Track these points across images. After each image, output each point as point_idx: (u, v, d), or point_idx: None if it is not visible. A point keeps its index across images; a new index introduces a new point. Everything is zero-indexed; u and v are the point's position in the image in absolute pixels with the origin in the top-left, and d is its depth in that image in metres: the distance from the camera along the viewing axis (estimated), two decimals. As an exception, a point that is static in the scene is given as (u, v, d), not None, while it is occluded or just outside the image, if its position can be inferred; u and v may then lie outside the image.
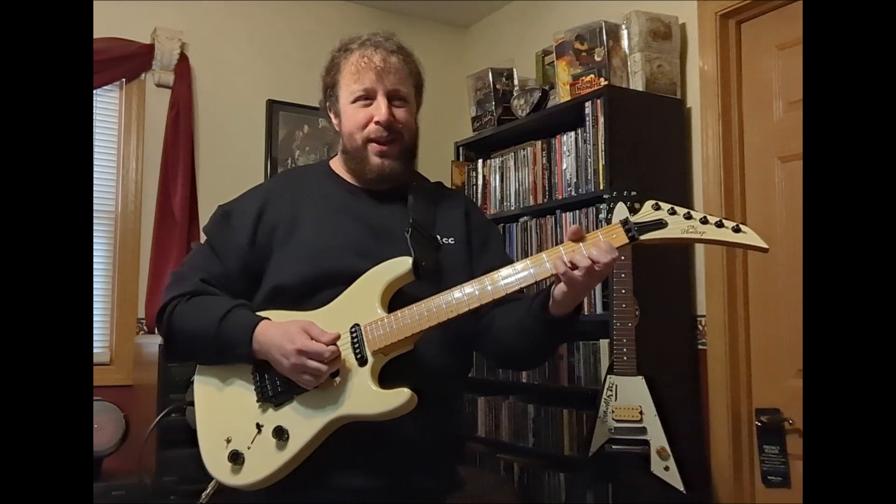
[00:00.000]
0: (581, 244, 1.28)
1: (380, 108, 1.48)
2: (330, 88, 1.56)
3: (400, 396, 1.32)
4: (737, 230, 1.23)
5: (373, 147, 1.50)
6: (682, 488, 2.21)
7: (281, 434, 1.36)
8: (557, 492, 2.82)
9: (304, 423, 1.36)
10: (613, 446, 2.29)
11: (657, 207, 1.28)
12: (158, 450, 2.62)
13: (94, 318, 3.12)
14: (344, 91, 1.53)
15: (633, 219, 1.28)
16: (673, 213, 1.27)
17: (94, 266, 3.15)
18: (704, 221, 1.24)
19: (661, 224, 1.27)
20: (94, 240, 3.15)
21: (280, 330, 1.37)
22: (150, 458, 2.62)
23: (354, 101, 1.51)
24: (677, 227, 1.26)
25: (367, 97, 1.50)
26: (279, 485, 1.38)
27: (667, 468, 2.23)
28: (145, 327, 3.22)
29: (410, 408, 1.32)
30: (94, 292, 3.09)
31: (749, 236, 1.22)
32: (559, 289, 1.29)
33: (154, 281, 3.20)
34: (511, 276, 1.32)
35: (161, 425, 2.63)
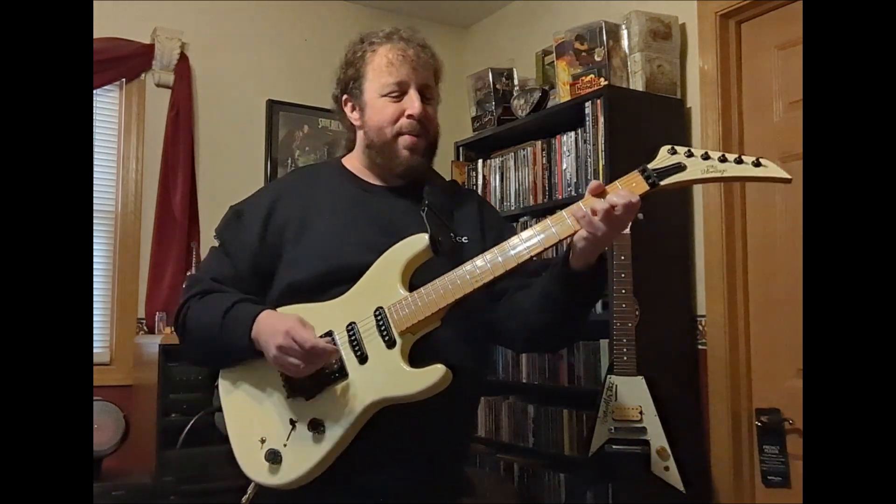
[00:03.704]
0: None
1: (413, 102, 1.46)
2: (353, 81, 1.52)
3: (435, 373, 1.29)
4: (757, 164, 1.19)
5: (403, 140, 1.47)
6: (682, 488, 2.21)
7: (317, 426, 1.34)
8: (557, 492, 2.82)
9: (339, 412, 1.33)
10: (613, 446, 2.29)
11: (673, 152, 1.24)
12: (158, 450, 2.62)
13: (94, 318, 3.12)
14: (374, 84, 1.49)
15: (651, 165, 1.25)
16: (690, 155, 1.23)
17: (94, 266, 3.15)
18: (723, 160, 1.20)
19: (679, 167, 1.23)
20: (94, 240, 3.15)
21: (277, 317, 1.38)
22: (150, 458, 2.63)
23: (385, 95, 1.48)
24: (696, 168, 1.22)
25: (400, 91, 1.47)
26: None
27: (667, 468, 2.23)
28: (145, 327, 3.21)
29: (445, 384, 1.29)
30: (94, 292, 3.08)
31: (770, 169, 1.18)
32: (579, 236, 1.27)
33: (154, 281, 3.21)
34: (534, 238, 1.28)
35: (161, 425, 2.63)
